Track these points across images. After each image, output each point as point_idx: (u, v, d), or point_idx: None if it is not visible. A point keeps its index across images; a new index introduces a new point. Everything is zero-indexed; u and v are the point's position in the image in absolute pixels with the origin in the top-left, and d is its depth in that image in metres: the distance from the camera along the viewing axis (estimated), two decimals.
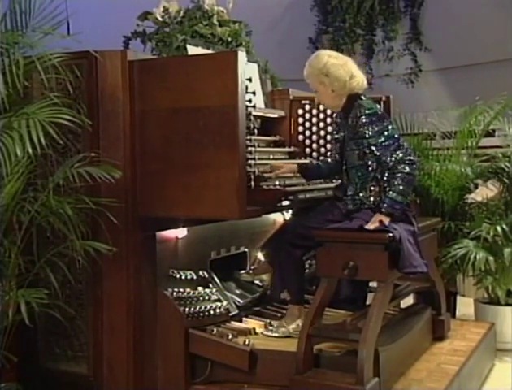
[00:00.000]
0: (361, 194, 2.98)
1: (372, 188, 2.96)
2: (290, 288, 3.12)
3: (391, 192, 2.82)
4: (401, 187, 2.81)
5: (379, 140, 2.88)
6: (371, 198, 2.96)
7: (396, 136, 2.90)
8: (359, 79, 3.01)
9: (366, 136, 2.90)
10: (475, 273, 4.05)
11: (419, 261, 2.82)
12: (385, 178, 2.89)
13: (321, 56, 3.02)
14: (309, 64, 3.03)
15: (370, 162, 2.95)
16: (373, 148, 2.89)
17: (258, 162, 2.91)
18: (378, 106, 3.01)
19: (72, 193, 2.72)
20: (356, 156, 2.98)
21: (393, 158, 2.84)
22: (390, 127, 2.92)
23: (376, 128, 2.89)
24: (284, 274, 3.09)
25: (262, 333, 3.02)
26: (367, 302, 3.34)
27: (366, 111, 2.91)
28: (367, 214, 2.88)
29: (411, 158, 2.84)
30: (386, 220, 2.78)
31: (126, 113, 2.72)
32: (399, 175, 2.81)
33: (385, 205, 2.82)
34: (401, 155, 2.83)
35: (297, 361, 2.71)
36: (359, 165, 2.98)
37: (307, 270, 3.67)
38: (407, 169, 2.81)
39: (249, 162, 2.75)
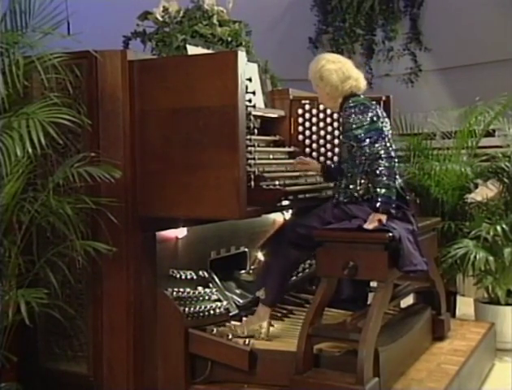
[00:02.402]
0: (351, 186, 3.01)
1: (362, 181, 2.98)
2: (268, 288, 3.04)
3: (378, 190, 2.83)
4: (386, 182, 2.82)
5: (359, 132, 2.92)
6: (360, 191, 2.98)
7: (378, 129, 2.91)
8: (353, 82, 3.06)
9: (350, 127, 2.95)
10: (474, 273, 4.05)
11: (419, 259, 2.83)
12: (368, 171, 2.91)
13: (319, 60, 3.12)
14: (309, 68, 3.14)
15: (357, 155, 2.97)
16: (357, 140, 2.93)
17: (258, 161, 2.91)
18: (367, 102, 3.00)
19: (72, 193, 2.72)
20: (346, 150, 3.05)
21: (371, 151, 2.86)
22: (374, 119, 2.93)
23: (357, 120, 2.93)
24: (269, 272, 3.05)
25: (230, 326, 2.99)
26: (368, 302, 3.35)
27: (350, 104, 2.98)
28: (365, 212, 2.88)
29: (390, 153, 2.86)
30: (383, 218, 2.79)
31: (126, 113, 2.72)
32: (379, 170, 2.83)
33: (378, 203, 2.82)
34: (379, 149, 2.85)
35: (297, 360, 2.71)
36: (349, 158, 3.03)
37: (307, 270, 3.68)
38: (386, 163, 2.83)
39: (249, 161, 2.75)
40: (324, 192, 3.36)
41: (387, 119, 3.08)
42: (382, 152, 2.85)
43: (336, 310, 3.26)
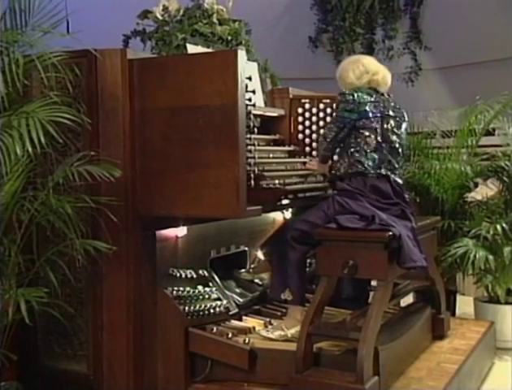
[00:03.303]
0: (334, 169, 3.15)
1: (343, 161, 3.08)
2: (292, 288, 3.09)
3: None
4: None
5: (335, 114, 3.17)
6: (341, 170, 3.08)
7: (338, 117, 3.08)
8: (370, 76, 3.16)
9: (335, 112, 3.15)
10: (474, 272, 4.05)
11: (418, 255, 2.84)
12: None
13: (343, 61, 3.33)
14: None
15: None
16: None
17: (258, 160, 2.91)
18: (363, 94, 3.06)
19: (72, 192, 2.72)
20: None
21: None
22: (342, 110, 3.05)
23: (340, 106, 3.08)
24: (285, 273, 3.07)
25: (259, 333, 2.97)
26: (369, 301, 3.35)
27: (343, 91, 3.11)
28: (365, 207, 2.90)
29: (323, 137, 3.18)
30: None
31: (126, 112, 2.72)
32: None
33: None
34: (328, 131, 3.14)
35: (297, 359, 2.71)
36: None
37: (307, 269, 3.67)
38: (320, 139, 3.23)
39: (249, 160, 2.75)
40: (324, 191, 3.36)
41: (390, 119, 3.11)
42: (327, 135, 3.11)
43: (337, 309, 3.25)
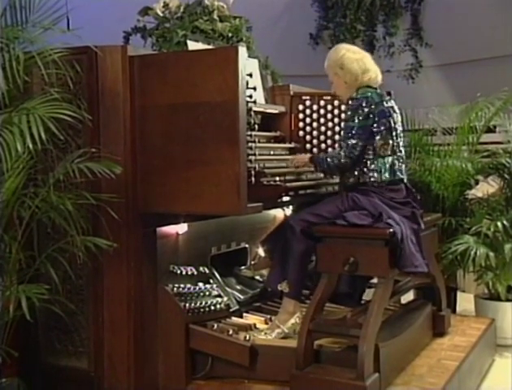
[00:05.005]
0: (344, 176, 3.08)
1: (355, 171, 3.01)
2: (291, 280, 3.01)
3: (328, 158, 3.01)
4: (330, 162, 3.00)
5: (345, 125, 3.03)
6: (351, 179, 3.03)
7: (356, 127, 2.95)
8: (372, 74, 3.10)
9: (346, 119, 3.04)
10: (475, 269, 4.06)
11: (420, 260, 2.82)
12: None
13: (339, 49, 3.16)
14: (328, 57, 3.17)
15: None
16: (346, 132, 3.03)
17: (259, 157, 2.91)
18: (374, 96, 3.01)
19: (73, 189, 2.72)
20: None
21: (342, 145, 3.00)
22: (360, 118, 2.95)
23: (349, 114, 3.01)
24: (287, 264, 3.02)
25: (257, 337, 2.93)
26: (364, 297, 3.35)
27: (354, 96, 3.02)
28: (374, 205, 2.89)
29: (347, 158, 2.95)
30: (305, 159, 3.20)
31: (126, 108, 2.72)
32: (339, 155, 2.98)
33: (318, 158, 3.10)
34: (348, 143, 2.95)
35: (298, 356, 2.71)
36: None
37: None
38: (342, 160, 2.96)
39: (250, 157, 2.75)
40: (325, 187, 3.36)
41: (395, 115, 3.09)
42: (346, 150, 2.94)
43: (335, 305, 3.25)
